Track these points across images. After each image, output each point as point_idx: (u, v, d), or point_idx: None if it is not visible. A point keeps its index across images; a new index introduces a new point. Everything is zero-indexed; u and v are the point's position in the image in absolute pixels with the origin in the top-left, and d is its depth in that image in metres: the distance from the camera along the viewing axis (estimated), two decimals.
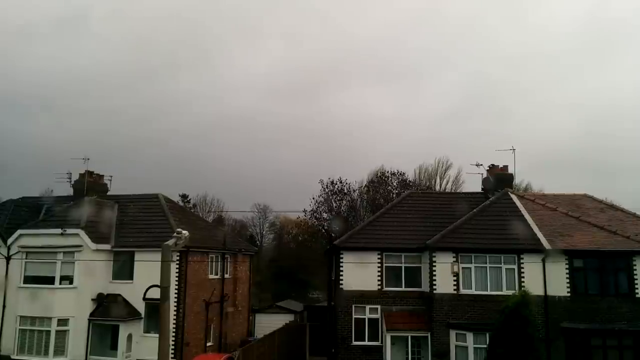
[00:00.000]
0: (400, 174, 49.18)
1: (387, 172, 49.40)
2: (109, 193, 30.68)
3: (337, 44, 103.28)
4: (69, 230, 24.91)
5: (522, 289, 20.76)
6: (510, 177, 27.56)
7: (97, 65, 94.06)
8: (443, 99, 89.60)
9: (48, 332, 24.09)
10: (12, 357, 24.26)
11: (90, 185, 29.31)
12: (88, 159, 29.58)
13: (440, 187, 51.70)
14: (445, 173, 52.47)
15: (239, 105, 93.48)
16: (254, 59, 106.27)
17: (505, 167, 27.65)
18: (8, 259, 25.52)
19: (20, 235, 25.49)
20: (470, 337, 20.42)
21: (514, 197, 25.28)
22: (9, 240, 25.57)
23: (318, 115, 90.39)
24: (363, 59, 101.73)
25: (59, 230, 24.88)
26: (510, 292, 19.86)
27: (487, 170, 28.09)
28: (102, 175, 30.77)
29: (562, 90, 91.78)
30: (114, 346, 24.42)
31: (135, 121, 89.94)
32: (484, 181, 28.31)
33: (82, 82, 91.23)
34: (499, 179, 27.07)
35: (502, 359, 12.23)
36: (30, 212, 29.01)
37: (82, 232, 25.05)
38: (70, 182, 29.78)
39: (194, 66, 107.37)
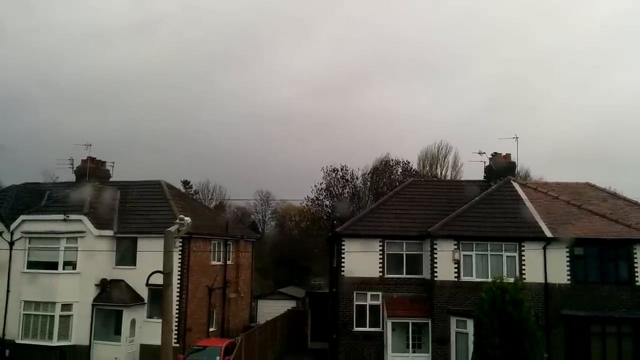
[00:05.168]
0: (406, 162, 49.14)
1: (392, 160, 49.35)
2: (111, 179, 30.76)
3: (370, 42, 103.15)
4: (72, 216, 25.02)
5: (522, 275, 20.92)
6: (513, 165, 27.51)
7: (149, 64, 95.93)
8: (468, 94, 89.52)
9: (52, 316, 24.32)
10: (17, 341, 24.51)
11: (92, 171, 29.37)
12: (90, 145, 29.63)
13: (441, 173, 51.73)
14: (445, 159, 52.48)
15: (265, 98, 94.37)
16: (287, 54, 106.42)
17: (508, 155, 27.60)
18: (11, 244, 25.68)
19: (23, 221, 25.60)
20: (470, 323, 20.50)
21: (517, 185, 25.28)
22: (12, 226, 25.70)
23: (341, 109, 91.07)
24: (393, 57, 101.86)
25: (61, 216, 25.00)
26: (511, 280, 19.94)
27: (490, 158, 28.03)
28: (104, 162, 30.79)
29: (585, 86, 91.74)
30: (117, 331, 24.67)
31: (172, 116, 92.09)
32: (487, 169, 28.28)
33: (130, 80, 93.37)
34: (502, 167, 27.02)
35: (493, 343, 12.25)
36: (33, 197, 29.13)
37: (84, 218, 25.16)
38: (73, 168, 29.87)
39: (236, 63, 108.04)
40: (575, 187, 26.60)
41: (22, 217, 25.73)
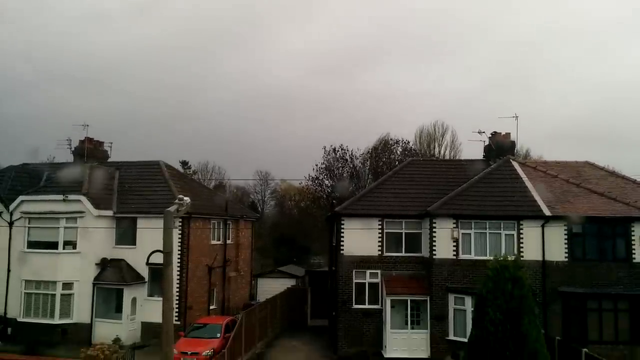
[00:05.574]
0: (405, 142, 49.11)
1: (392, 139, 49.27)
2: (109, 160, 30.68)
3: (371, 23, 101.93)
4: (71, 197, 25.06)
5: (521, 253, 21.08)
6: (513, 145, 27.44)
7: (149, 45, 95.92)
8: (469, 74, 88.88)
9: (53, 295, 24.54)
10: (18, 319, 24.77)
11: (90, 151, 29.28)
12: (88, 125, 29.56)
13: (440, 152, 51.74)
14: (443, 138, 52.49)
15: (264, 79, 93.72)
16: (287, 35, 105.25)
17: (508, 134, 27.49)
18: (11, 224, 25.76)
19: (22, 202, 25.65)
20: (468, 300, 20.75)
21: (516, 164, 25.25)
22: (11, 206, 25.76)
23: (341, 90, 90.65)
24: (394, 38, 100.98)
25: (60, 197, 25.04)
26: (509, 258, 20.05)
27: (490, 137, 27.95)
28: (102, 142, 30.68)
29: (585, 65, 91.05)
30: (118, 309, 24.92)
31: (171, 97, 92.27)
32: (486, 148, 28.21)
33: (129, 61, 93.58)
34: (501, 146, 26.97)
35: (494, 319, 12.37)
36: (32, 178, 29.13)
37: (83, 198, 25.20)
38: (71, 148, 29.77)
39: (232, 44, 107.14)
40: (574, 165, 26.57)
41: (21, 197, 25.75)
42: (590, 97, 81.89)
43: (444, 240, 21.97)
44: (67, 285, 24.80)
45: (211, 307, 27.96)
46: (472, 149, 68.23)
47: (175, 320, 21.80)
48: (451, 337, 21.46)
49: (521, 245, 21.57)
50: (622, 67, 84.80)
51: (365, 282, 23.44)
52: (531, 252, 21.34)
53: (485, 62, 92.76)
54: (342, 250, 23.64)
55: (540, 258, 21.40)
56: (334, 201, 33.62)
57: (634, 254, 21.24)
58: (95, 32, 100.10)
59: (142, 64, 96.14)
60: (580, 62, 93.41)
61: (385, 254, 23.45)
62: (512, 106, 75.80)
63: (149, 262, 21.85)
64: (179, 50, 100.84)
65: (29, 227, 25.54)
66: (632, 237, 21.31)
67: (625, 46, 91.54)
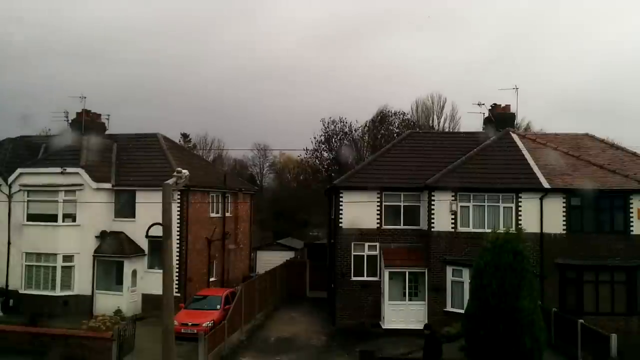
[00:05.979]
0: (402, 113, 48.84)
1: (390, 111, 49.02)
2: (107, 132, 30.43)
3: None
4: (69, 169, 24.99)
5: (519, 226, 21.16)
6: (512, 117, 27.29)
7: (143, 17, 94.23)
8: (469, 47, 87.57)
9: (54, 267, 24.71)
10: (20, 291, 24.98)
11: (87, 124, 29.01)
12: (85, 97, 29.14)
13: (439, 125, 51.54)
14: (442, 111, 52.25)
15: (266, 50, 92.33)
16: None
17: (508, 106, 27.31)
18: (10, 197, 25.72)
19: (21, 174, 25.56)
20: (466, 272, 20.90)
21: (515, 137, 25.13)
22: (10, 179, 25.67)
23: (341, 62, 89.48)
24: (394, 9, 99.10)
25: (58, 169, 24.96)
26: (507, 230, 20.09)
27: (490, 109, 27.74)
28: (100, 114, 30.36)
29: (587, 37, 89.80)
30: (119, 281, 25.09)
31: (171, 69, 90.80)
32: (486, 120, 28.03)
33: (128, 33, 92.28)
34: (501, 118, 26.79)
35: (495, 291, 12.54)
36: (29, 151, 28.96)
37: (82, 171, 25.13)
38: (68, 121, 29.49)
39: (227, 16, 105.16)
40: (574, 137, 26.45)
41: (20, 170, 25.65)
42: (593, 69, 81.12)
43: (443, 213, 22.01)
44: (68, 258, 24.93)
45: (211, 280, 28.20)
46: (473, 122, 68.04)
47: (176, 292, 21.97)
48: (448, 308, 21.70)
49: (519, 217, 21.62)
50: (624, 40, 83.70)
51: (363, 255, 23.59)
52: (529, 224, 21.37)
53: (485, 35, 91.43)
54: (341, 223, 23.70)
55: (538, 230, 21.49)
56: (333, 174, 33.64)
57: (632, 226, 21.30)
58: (89, 4, 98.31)
59: (140, 35, 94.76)
60: (581, 34, 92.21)
61: (384, 227, 23.52)
62: (513, 79, 75.25)
63: (149, 234, 22.02)
64: (177, 22, 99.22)
65: (27, 200, 25.52)
66: (631, 210, 21.35)
67: (627, 17, 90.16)
